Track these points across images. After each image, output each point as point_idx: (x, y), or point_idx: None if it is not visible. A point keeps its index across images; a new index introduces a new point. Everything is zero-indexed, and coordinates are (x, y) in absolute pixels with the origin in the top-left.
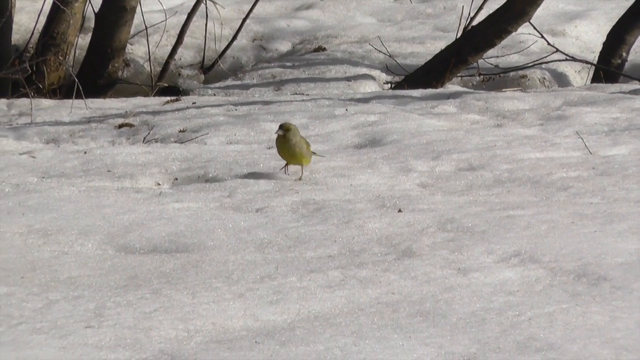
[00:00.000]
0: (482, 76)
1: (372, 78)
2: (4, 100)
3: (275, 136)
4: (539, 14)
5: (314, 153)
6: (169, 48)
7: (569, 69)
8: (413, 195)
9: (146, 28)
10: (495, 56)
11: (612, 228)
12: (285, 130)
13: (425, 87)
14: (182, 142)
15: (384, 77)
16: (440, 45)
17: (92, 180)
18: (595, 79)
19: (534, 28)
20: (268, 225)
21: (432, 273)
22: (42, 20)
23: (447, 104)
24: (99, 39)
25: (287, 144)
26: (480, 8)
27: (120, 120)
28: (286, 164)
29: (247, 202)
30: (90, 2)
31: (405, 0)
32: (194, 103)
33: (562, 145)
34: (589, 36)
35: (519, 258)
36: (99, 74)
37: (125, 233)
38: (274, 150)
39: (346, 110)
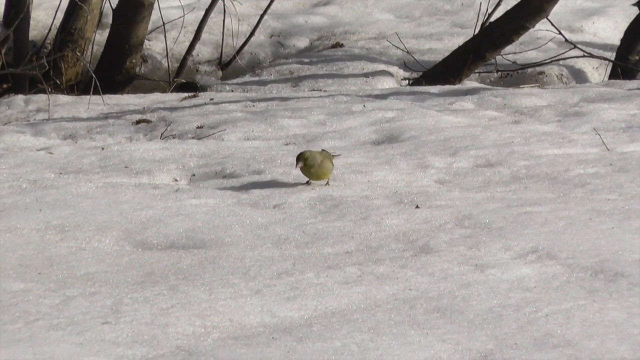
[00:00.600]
0: (499, 72)
1: (390, 74)
2: (21, 96)
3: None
4: (557, 10)
5: (335, 155)
6: (187, 44)
7: (587, 66)
8: (430, 191)
9: (164, 24)
10: (513, 52)
11: (629, 224)
12: (303, 161)
13: (443, 83)
14: (199, 138)
15: (401, 73)
16: (458, 41)
17: (110, 177)
18: (613, 75)
19: (552, 24)
20: (285, 221)
21: (450, 269)
22: (60, 16)
23: (464, 100)
24: (116, 35)
25: (309, 171)
26: (498, 4)
27: (138, 117)
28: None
29: (264, 199)
30: None
31: None
32: (211, 99)
33: (579, 141)
34: (607, 33)
35: (537, 254)
36: (117, 70)
37: (142, 229)
38: (292, 147)
39: (364, 106)
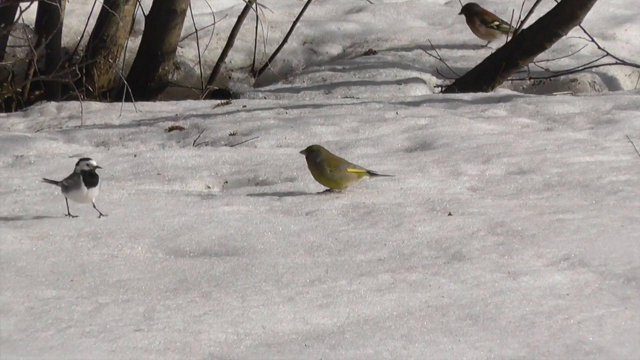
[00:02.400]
0: (532, 80)
1: (423, 81)
2: (53, 103)
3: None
4: (589, 18)
5: (366, 173)
6: (219, 51)
7: (619, 73)
8: (463, 198)
9: (196, 31)
10: (546, 60)
11: None
12: (307, 152)
13: (475, 90)
14: (232, 146)
15: (434, 80)
16: (490, 48)
17: (142, 184)
18: None
19: (584, 32)
20: (318, 228)
21: (482, 277)
22: (92, 22)
23: (497, 108)
24: (149, 42)
25: (309, 164)
26: (531, 11)
27: (171, 124)
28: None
29: (297, 206)
30: (140, 4)
31: (456, 4)
32: (244, 106)
33: (612, 149)
34: (639, 40)
35: (569, 262)
36: (149, 77)
37: (175, 236)
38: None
39: (396, 113)
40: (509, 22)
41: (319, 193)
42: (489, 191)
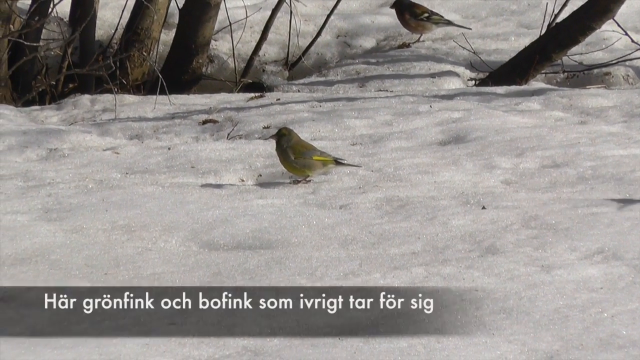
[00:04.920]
0: (566, 73)
1: (456, 75)
2: (87, 96)
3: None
4: (623, 11)
5: (332, 161)
6: (253, 44)
7: None
8: (497, 192)
9: (230, 24)
10: (579, 53)
11: None
12: (277, 136)
13: (509, 83)
14: (266, 139)
15: (468, 73)
16: (524, 42)
17: (176, 177)
18: None
19: (618, 25)
20: (352, 221)
21: (516, 270)
22: (126, 15)
23: (531, 101)
24: (183, 35)
25: (277, 149)
26: (565, 5)
27: (204, 117)
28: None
29: (331, 199)
30: None
31: None
32: (278, 99)
33: None
34: None
35: (602, 255)
36: (183, 70)
37: (209, 229)
38: (358, 147)
39: (430, 106)
40: (439, 13)
41: (289, 183)
42: (522, 184)
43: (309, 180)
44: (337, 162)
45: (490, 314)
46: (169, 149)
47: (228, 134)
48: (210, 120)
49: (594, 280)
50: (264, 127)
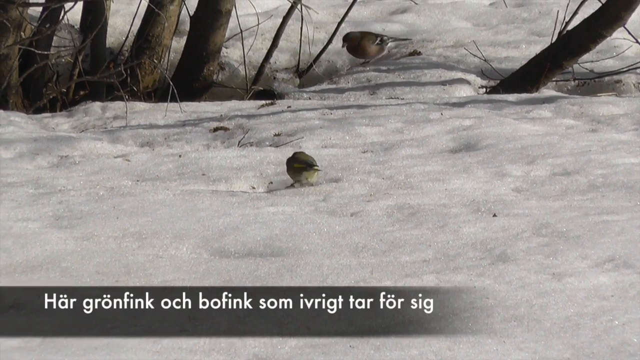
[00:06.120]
0: (577, 81)
1: (467, 82)
2: (98, 104)
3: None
4: (634, 19)
5: (304, 167)
6: (264, 51)
7: None
8: (508, 199)
9: (241, 31)
10: (590, 61)
11: None
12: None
13: (520, 91)
14: (277, 146)
15: (479, 81)
16: (535, 49)
17: (187, 184)
18: None
19: (629, 33)
20: (363, 229)
21: (527, 278)
22: (137, 23)
23: (542, 109)
24: (194, 42)
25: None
26: (575, 12)
27: (215, 124)
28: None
29: (342, 206)
30: (185, 4)
31: (501, 5)
32: (289, 107)
33: None
34: None
35: (613, 263)
36: (194, 77)
37: (220, 237)
38: (369, 155)
39: (441, 114)
40: (384, 34)
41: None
42: (533, 192)
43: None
44: (308, 165)
45: (501, 321)
46: (180, 156)
47: (239, 142)
48: (221, 128)
49: (605, 288)
50: (275, 135)
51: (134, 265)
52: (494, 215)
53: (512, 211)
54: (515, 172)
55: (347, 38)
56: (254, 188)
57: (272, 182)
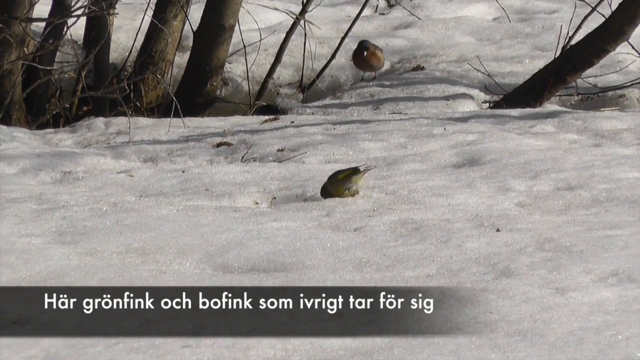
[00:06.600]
0: (580, 95)
1: (471, 97)
2: (101, 119)
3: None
4: (638, 34)
5: (351, 171)
6: (268, 67)
7: None
8: (511, 214)
9: (244, 47)
10: (594, 75)
11: None
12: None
13: (523, 106)
14: (280, 161)
15: (482, 96)
16: (539, 64)
17: (190, 199)
18: None
19: (632, 47)
20: (366, 244)
21: (530, 292)
22: (140, 38)
23: (545, 124)
24: (197, 58)
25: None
26: (579, 27)
27: (219, 139)
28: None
29: (345, 222)
30: (188, 20)
31: (504, 20)
32: (292, 122)
33: None
34: None
35: (617, 278)
36: (197, 93)
37: (223, 252)
38: (373, 170)
39: (444, 129)
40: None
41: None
42: (537, 207)
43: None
44: (356, 170)
45: (504, 336)
46: (183, 171)
47: (242, 157)
48: (225, 143)
49: (609, 302)
50: (278, 150)
51: (138, 280)
52: (498, 230)
53: (515, 226)
54: (519, 187)
55: (364, 47)
56: (257, 203)
57: (275, 198)
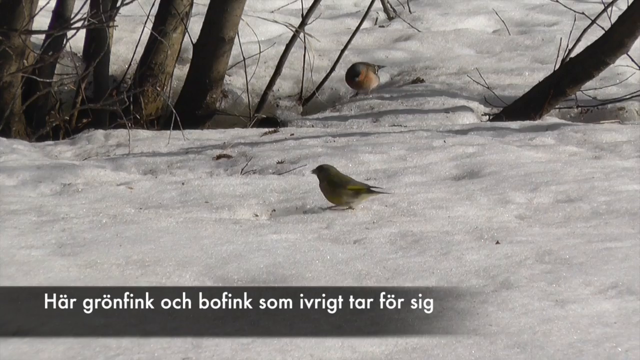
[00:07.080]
0: (580, 108)
1: (470, 109)
2: (101, 131)
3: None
4: (637, 46)
5: (365, 190)
6: (267, 79)
7: None
8: (511, 227)
9: (244, 59)
10: (593, 88)
11: None
12: (317, 171)
13: (523, 118)
14: (280, 174)
15: (482, 108)
16: (538, 76)
17: (190, 212)
18: None
19: (632, 60)
20: (366, 256)
21: (530, 305)
22: (140, 50)
23: (545, 136)
24: (197, 70)
25: (320, 183)
26: (579, 40)
27: (218, 152)
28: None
29: (345, 234)
30: (188, 32)
31: (504, 32)
32: (292, 134)
33: None
34: None
35: (617, 290)
36: (197, 105)
37: (223, 264)
38: (372, 182)
39: (444, 141)
40: (374, 64)
41: (325, 209)
42: (536, 219)
43: (351, 208)
44: (369, 190)
45: (504, 348)
46: (183, 184)
47: (242, 169)
48: (224, 155)
49: (608, 314)
50: (278, 162)
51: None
52: (497, 243)
53: (515, 238)
54: (519, 199)
55: (356, 72)
56: (257, 215)
57: (275, 210)
